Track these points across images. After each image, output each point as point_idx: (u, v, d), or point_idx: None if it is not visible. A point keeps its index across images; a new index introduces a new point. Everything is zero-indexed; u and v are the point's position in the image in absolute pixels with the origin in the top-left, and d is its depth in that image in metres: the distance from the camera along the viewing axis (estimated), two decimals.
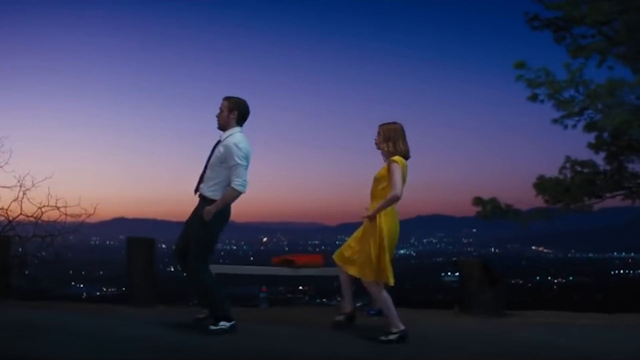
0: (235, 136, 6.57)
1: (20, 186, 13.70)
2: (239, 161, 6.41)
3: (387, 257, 6.62)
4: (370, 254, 6.56)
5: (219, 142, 6.67)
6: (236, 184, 6.37)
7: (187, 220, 6.84)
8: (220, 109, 6.68)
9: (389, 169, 6.52)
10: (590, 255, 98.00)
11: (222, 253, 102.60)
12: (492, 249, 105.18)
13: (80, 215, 14.52)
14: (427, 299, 48.98)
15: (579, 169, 12.64)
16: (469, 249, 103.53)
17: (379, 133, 6.72)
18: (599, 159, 12.89)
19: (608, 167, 12.79)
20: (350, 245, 6.94)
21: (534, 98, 11.74)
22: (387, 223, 6.58)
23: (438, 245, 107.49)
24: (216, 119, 6.73)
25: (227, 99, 6.69)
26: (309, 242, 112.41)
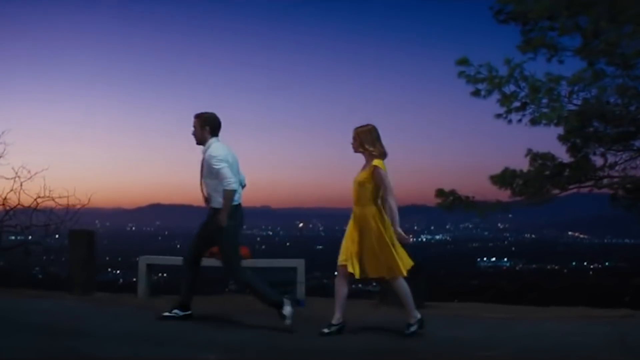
0: (211, 148, 7.14)
1: (17, 177, 14.38)
2: (219, 165, 6.99)
3: (393, 250, 6.87)
4: (383, 252, 6.86)
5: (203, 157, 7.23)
6: (225, 184, 6.97)
7: (201, 230, 7.53)
8: (193, 126, 7.24)
9: (373, 174, 6.78)
10: (627, 240, 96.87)
11: (259, 239, 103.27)
12: (528, 235, 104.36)
13: (75, 205, 15.18)
14: (463, 284, 49.20)
15: (540, 161, 12.76)
16: (504, 234, 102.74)
17: (354, 137, 6.90)
18: (563, 151, 12.96)
19: (572, 159, 12.86)
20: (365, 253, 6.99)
21: (477, 93, 11.94)
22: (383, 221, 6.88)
23: (474, 231, 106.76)
24: (193, 136, 7.29)
25: (197, 116, 7.24)
26: (345, 228, 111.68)
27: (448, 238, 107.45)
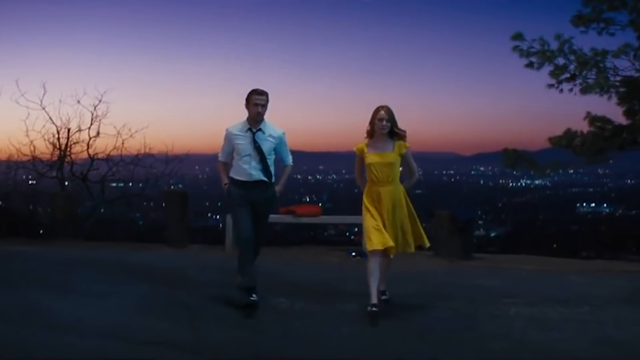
0: (274, 126, 7.15)
1: (119, 135, 16.22)
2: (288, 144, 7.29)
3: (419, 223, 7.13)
4: (415, 226, 7.01)
5: (256, 132, 7.00)
6: (291, 160, 7.38)
7: (244, 207, 7.07)
8: (263, 104, 6.96)
9: (406, 155, 6.88)
10: None
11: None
12: (628, 181, 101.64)
13: (174, 161, 17.04)
14: (562, 230, 49.37)
15: (598, 123, 13.57)
16: (604, 180, 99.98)
17: (388, 119, 6.74)
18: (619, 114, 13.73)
19: (629, 122, 13.60)
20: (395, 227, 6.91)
21: (530, 65, 12.95)
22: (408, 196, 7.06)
23: (574, 176, 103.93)
24: (258, 114, 6.96)
25: (266, 93, 6.99)
26: (444, 172, 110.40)
27: (547, 183, 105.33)
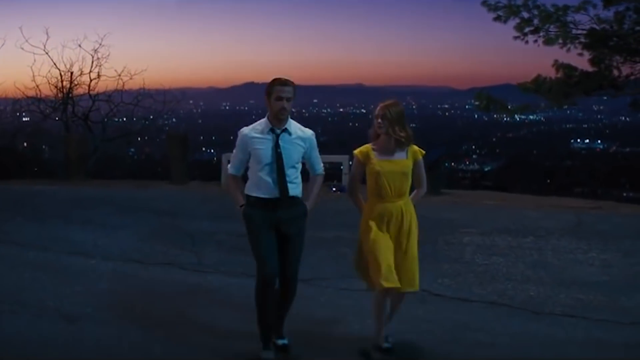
0: (300, 126, 5.43)
1: (120, 78, 17.41)
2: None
3: None
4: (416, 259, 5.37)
5: (280, 134, 5.24)
6: (322, 169, 5.60)
7: (266, 232, 5.22)
8: (290, 98, 5.21)
9: (418, 164, 5.31)
10: None
11: (352, 116, 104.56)
12: (623, 118, 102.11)
13: (171, 102, 18.31)
14: (556, 165, 50.27)
15: (566, 71, 14.66)
16: (598, 116, 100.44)
17: (384, 116, 5.15)
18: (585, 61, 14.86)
19: (595, 69, 14.67)
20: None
21: (498, 19, 14.14)
22: None
23: (568, 112, 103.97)
24: (283, 110, 5.16)
25: (293, 83, 5.33)
26: (439, 106, 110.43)
27: (542, 118, 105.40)
